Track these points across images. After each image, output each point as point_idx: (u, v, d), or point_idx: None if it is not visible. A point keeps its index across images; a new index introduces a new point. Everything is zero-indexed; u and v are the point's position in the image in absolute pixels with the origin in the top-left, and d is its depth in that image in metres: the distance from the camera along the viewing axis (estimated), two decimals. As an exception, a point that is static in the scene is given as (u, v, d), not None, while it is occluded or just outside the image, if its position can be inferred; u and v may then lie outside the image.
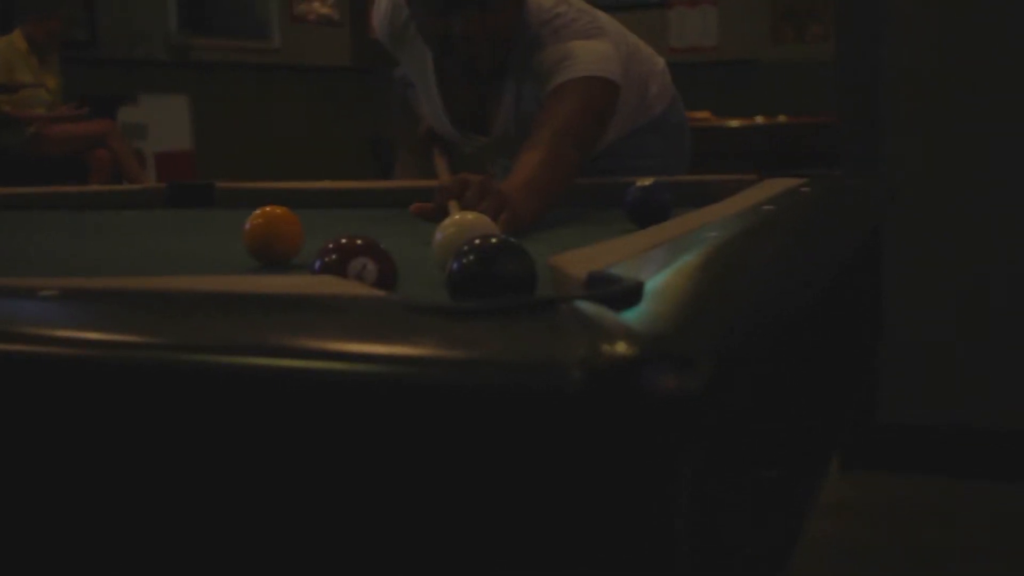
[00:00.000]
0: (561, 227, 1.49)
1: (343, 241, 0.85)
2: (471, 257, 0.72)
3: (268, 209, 1.19)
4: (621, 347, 0.48)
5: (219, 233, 1.57)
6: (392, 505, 0.51)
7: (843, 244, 1.21)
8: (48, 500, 0.57)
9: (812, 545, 2.34)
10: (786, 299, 0.80)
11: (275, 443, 0.52)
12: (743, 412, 0.62)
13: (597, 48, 1.77)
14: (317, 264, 0.84)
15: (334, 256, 0.83)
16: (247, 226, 1.18)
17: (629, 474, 0.48)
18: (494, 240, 0.73)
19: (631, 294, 0.59)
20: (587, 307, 0.55)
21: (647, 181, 1.45)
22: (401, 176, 2.21)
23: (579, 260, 0.76)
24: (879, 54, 2.84)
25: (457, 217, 1.03)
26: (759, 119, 5.73)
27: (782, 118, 5.74)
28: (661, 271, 0.68)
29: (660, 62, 2.16)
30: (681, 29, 8.13)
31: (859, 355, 1.46)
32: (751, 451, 0.67)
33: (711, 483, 0.54)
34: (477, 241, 0.73)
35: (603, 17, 1.93)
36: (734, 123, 5.63)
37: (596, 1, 1.99)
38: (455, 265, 0.73)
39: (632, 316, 0.55)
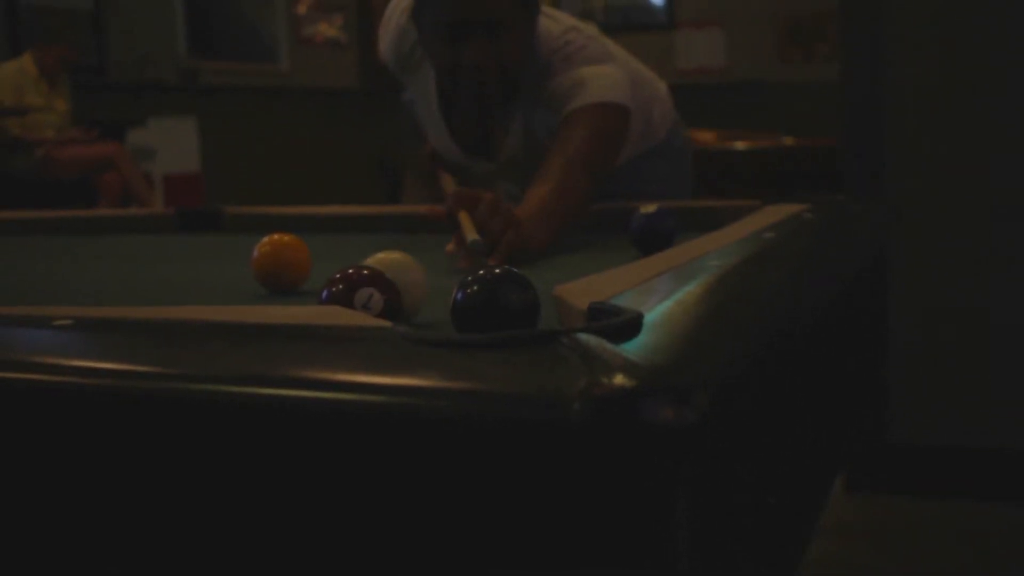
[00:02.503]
0: (566, 253, 1.50)
1: (350, 271, 0.86)
2: (474, 287, 0.73)
3: (276, 237, 1.18)
4: (620, 379, 0.50)
5: (227, 259, 1.59)
6: (397, 533, 0.52)
7: (846, 270, 1.22)
8: (64, 526, 0.58)
9: (815, 566, 2.34)
10: (788, 326, 0.81)
11: (282, 472, 0.54)
12: (743, 439, 0.63)
13: (607, 73, 1.78)
14: (324, 294, 0.85)
15: (341, 286, 0.84)
16: (255, 254, 1.18)
17: (629, 502, 0.49)
18: (497, 270, 0.74)
19: (631, 326, 0.60)
20: (588, 339, 0.56)
21: (651, 208, 1.45)
22: (408, 199, 2.22)
23: (582, 291, 0.77)
24: (881, 76, 2.85)
25: (381, 256, 0.97)
26: (765, 142, 5.73)
27: (789, 140, 5.73)
28: (662, 302, 0.69)
29: (662, 87, 2.17)
30: (688, 51, 8.15)
31: (864, 378, 1.46)
32: (752, 477, 0.68)
33: (710, 509, 0.55)
34: (481, 271, 0.74)
35: (609, 43, 1.94)
36: (740, 145, 5.63)
37: (605, 22, 2.00)
38: (459, 295, 0.74)
39: (632, 348, 0.56)
